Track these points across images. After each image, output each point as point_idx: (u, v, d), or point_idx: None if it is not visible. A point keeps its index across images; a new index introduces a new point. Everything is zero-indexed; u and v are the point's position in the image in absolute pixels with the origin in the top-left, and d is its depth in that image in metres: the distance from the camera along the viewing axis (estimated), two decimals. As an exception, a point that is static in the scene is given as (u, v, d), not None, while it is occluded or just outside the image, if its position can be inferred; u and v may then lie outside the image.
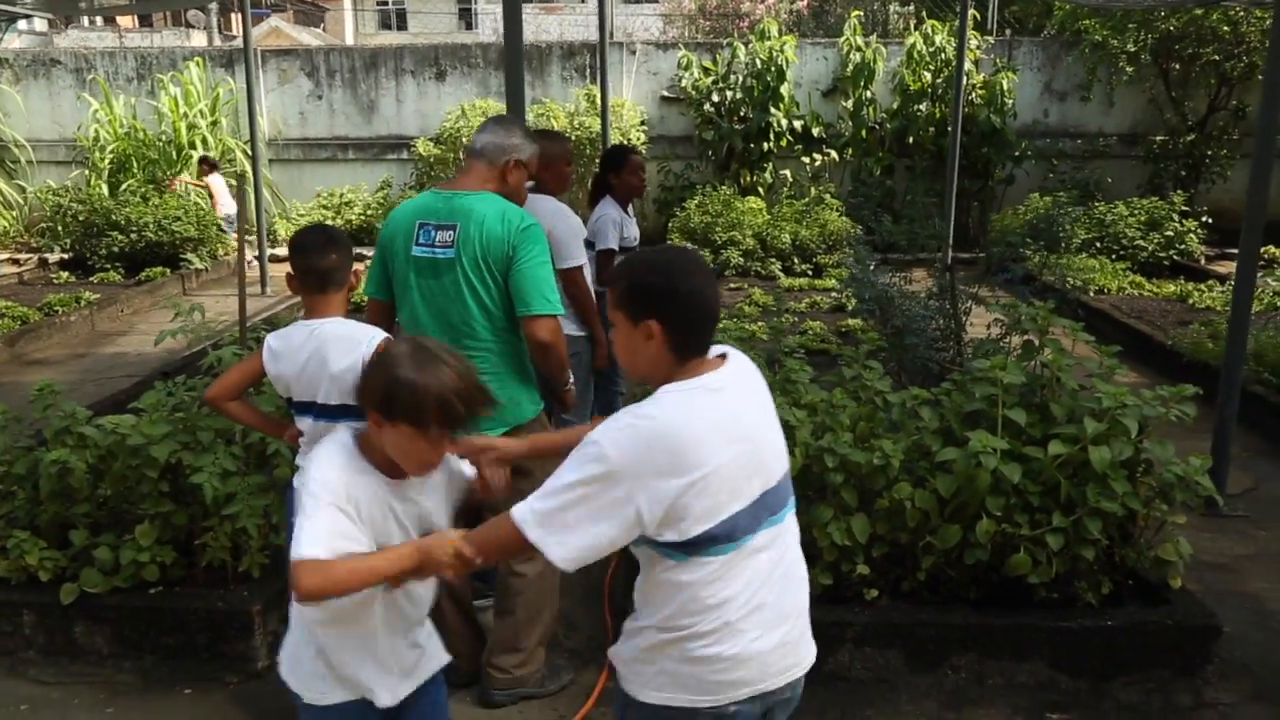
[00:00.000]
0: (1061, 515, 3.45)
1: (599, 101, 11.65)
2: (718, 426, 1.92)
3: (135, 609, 3.66)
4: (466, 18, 36.01)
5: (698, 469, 1.86)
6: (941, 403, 3.74)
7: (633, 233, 5.24)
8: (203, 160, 13.16)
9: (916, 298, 5.18)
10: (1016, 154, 13.25)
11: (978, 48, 13.24)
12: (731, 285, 10.62)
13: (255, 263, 11.49)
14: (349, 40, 33.30)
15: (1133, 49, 12.93)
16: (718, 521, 1.91)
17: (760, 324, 8.08)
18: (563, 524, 1.88)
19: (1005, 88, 13.11)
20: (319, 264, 2.93)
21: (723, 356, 2.07)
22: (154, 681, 3.65)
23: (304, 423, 2.95)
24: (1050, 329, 3.94)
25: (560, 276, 3.75)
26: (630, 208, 5.32)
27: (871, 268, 5.21)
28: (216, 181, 12.93)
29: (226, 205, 12.78)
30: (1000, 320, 4.64)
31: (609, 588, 4.17)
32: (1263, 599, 4.29)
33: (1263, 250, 10.48)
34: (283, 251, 13.40)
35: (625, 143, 13.21)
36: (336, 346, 2.89)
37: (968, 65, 12.36)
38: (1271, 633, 4.00)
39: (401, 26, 36.35)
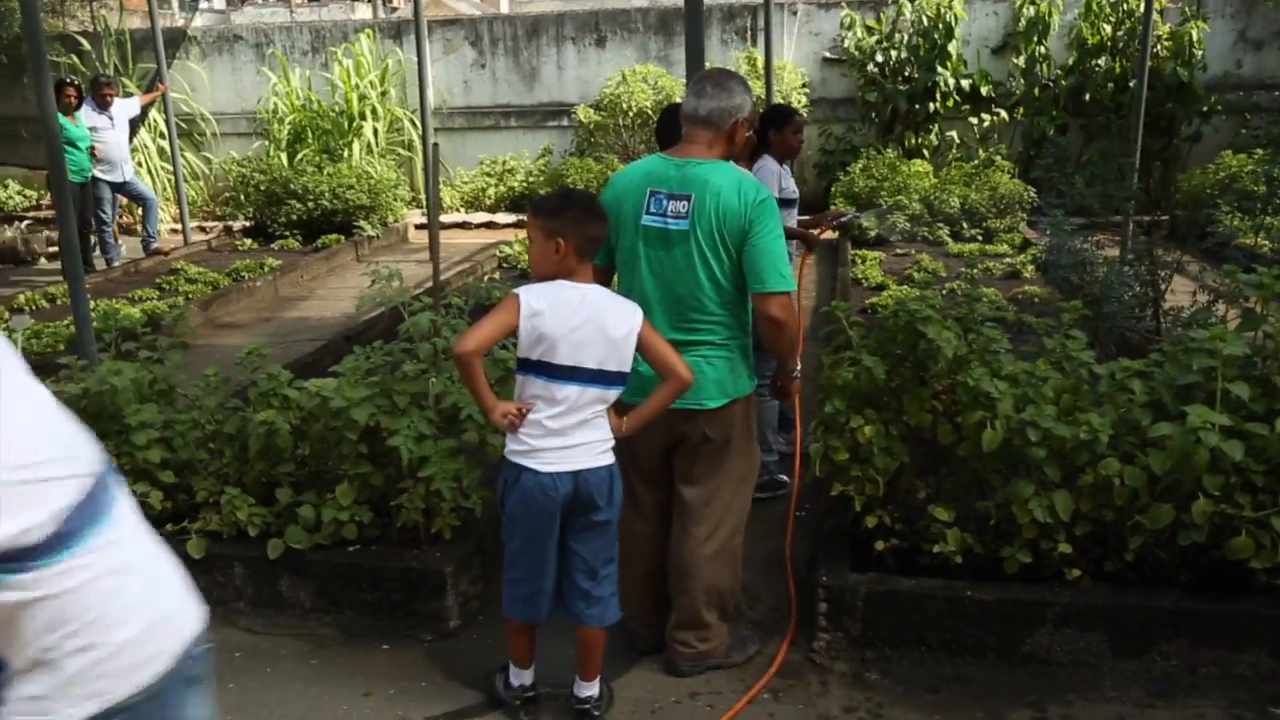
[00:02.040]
0: (1289, 497, 3.22)
1: (761, 64, 11.47)
2: None
3: (336, 565, 3.82)
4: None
5: None
6: (1153, 375, 3.53)
7: (791, 185, 5.23)
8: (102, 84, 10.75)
9: (1112, 264, 4.91)
10: (1205, 109, 12.41)
11: (1165, -4, 12.44)
12: (898, 251, 10.34)
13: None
14: (505, 9, 33.77)
15: (1344, -10, 11.92)
16: None
17: (932, 290, 7.88)
18: None
19: (1194, 38, 12.28)
20: (597, 232, 2.99)
21: None
22: (354, 635, 3.81)
23: (546, 386, 2.92)
24: (1273, 297, 3.67)
25: None
26: (788, 166, 5.31)
27: (1069, 232, 4.95)
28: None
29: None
30: (1209, 288, 4.35)
31: (790, 556, 4.14)
32: None
33: None
34: (448, 218, 13.77)
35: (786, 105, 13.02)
36: (612, 313, 2.93)
37: (1153, 15, 11.63)
38: None
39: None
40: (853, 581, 3.54)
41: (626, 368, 2.96)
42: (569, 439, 2.95)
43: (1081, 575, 3.46)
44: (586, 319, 2.89)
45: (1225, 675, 3.34)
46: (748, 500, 3.50)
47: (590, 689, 3.25)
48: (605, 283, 3.32)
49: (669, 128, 3.78)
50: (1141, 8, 10.26)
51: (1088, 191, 5.25)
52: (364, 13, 28.59)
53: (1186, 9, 12.68)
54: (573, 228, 2.92)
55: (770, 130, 5.21)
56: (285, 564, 3.86)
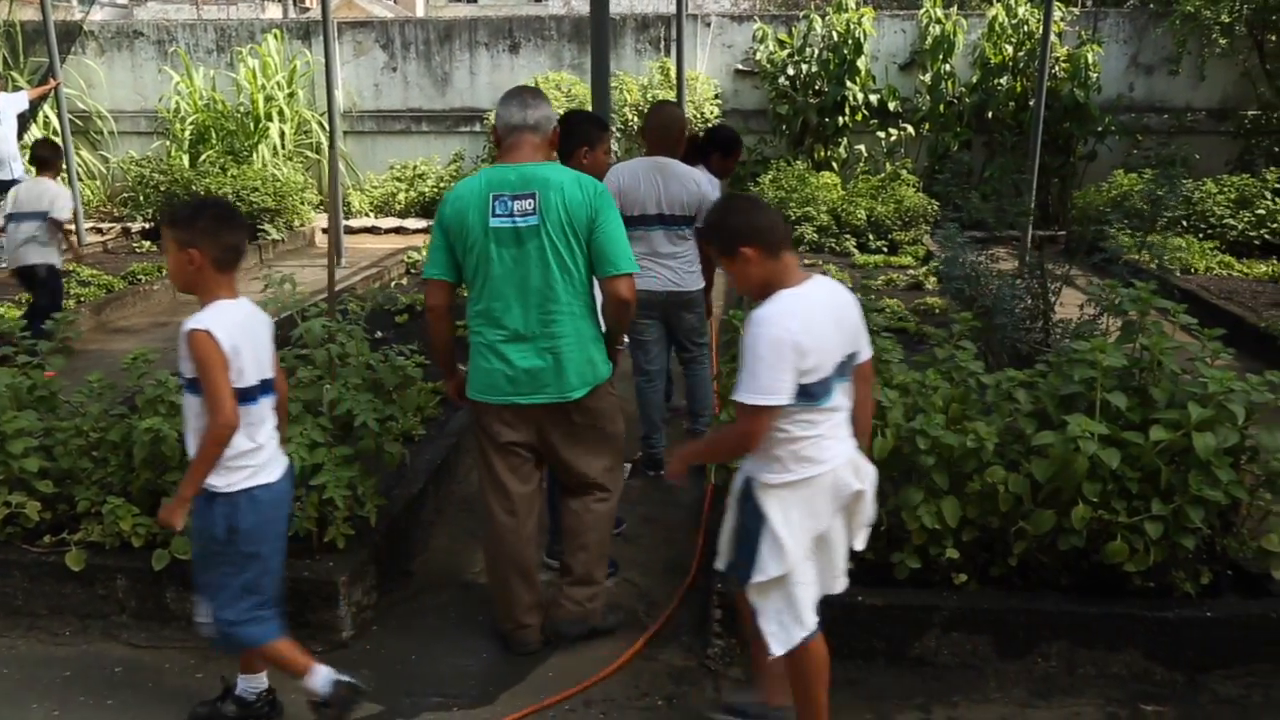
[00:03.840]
0: (1161, 503, 3.35)
1: (673, 74, 11.55)
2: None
3: (225, 575, 3.71)
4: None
5: None
6: (1037, 385, 3.64)
7: None
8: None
9: (1004, 277, 5.05)
10: (1100, 129, 12.88)
11: (1062, 19, 12.88)
12: (806, 262, 10.49)
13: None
14: (420, 13, 33.48)
15: (1226, 19, 12.48)
16: None
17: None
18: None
19: (1090, 61, 12.74)
20: (234, 240, 2.97)
21: None
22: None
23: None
24: (1149, 311, 3.81)
25: None
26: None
27: (963, 246, 5.09)
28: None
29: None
30: (1095, 300, 4.50)
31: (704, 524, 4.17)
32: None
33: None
34: (357, 223, 13.56)
35: (700, 118, 13.14)
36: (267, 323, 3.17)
37: (1051, 38, 12.03)
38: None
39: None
40: (747, 588, 3.57)
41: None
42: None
43: (969, 580, 3.55)
44: (261, 330, 3.01)
45: (1101, 674, 3.45)
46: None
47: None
48: (451, 295, 3.48)
49: (567, 135, 3.88)
50: (1040, 30, 10.60)
51: (983, 206, 5.41)
52: (275, 13, 28.08)
53: (1083, 33, 13.15)
54: (207, 238, 2.83)
55: (716, 153, 5.56)
56: (170, 575, 3.74)
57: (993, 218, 5.49)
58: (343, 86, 14.53)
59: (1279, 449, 3.42)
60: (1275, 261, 10.13)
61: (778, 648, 2.77)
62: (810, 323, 2.64)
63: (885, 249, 11.08)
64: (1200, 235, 10.78)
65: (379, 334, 6.68)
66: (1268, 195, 11.14)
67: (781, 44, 13.47)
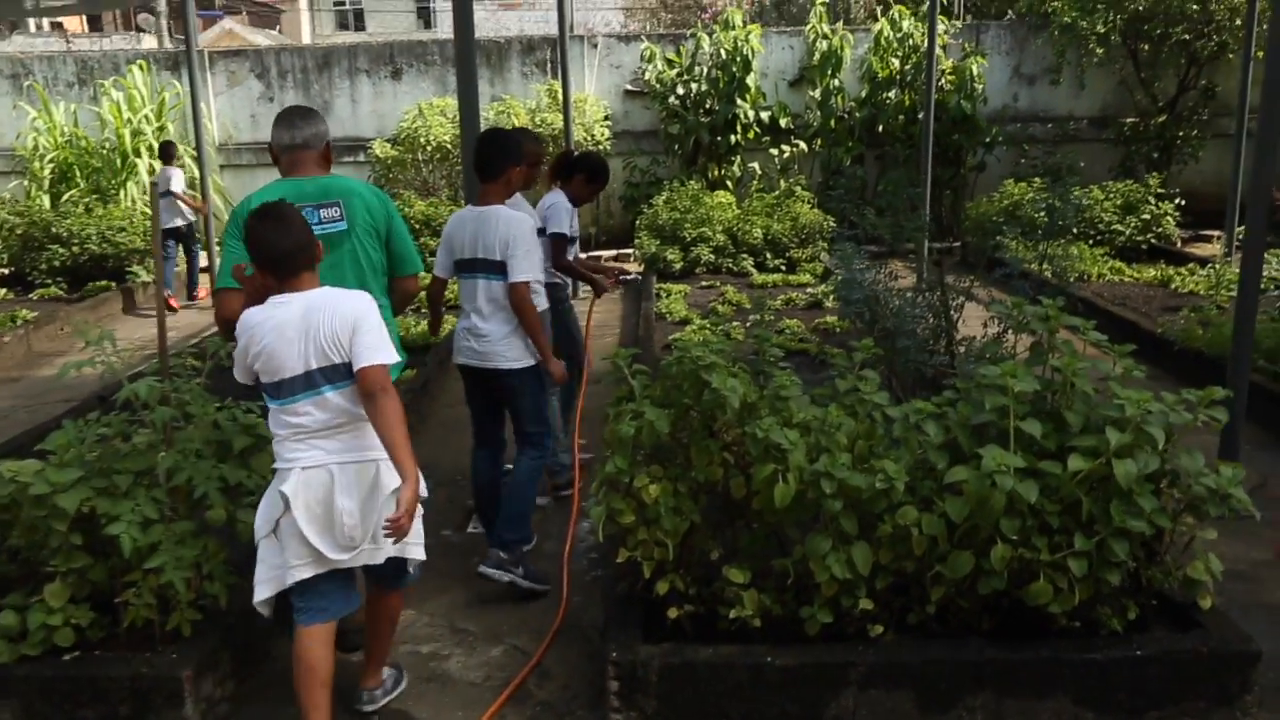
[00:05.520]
0: (1084, 537, 3.11)
1: (561, 97, 11.24)
2: None
3: (46, 680, 3.21)
4: (425, 16, 35.33)
5: None
6: (947, 415, 3.38)
7: (576, 226, 5.34)
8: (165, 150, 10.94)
9: (904, 295, 4.83)
10: (988, 140, 12.97)
11: (946, 32, 12.96)
12: (703, 284, 10.25)
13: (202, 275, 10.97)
14: (307, 41, 32.64)
15: (1101, 30, 12.69)
16: None
17: (736, 324, 7.76)
18: None
19: (975, 73, 12.84)
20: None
21: None
22: (73, 759, 3.23)
23: None
24: (1058, 329, 3.60)
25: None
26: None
27: (859, 265, 4.84)
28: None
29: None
30: (999, 319, 4.29)
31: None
32: (1293, 612, 3.99)
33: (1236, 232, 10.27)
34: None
35: (591, 139, 12.86)
36: None
37: (936, 51, 12.07)
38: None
39: (360, 26, 35.58)
40: (645, 655, 3.22)
41: None
42: None
43: (885, 630, 3.26)
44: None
45: (1031, 727, 3.20)
46: None
47: None
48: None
49: (483, 162, 4.20)
50: (926, 43, 10.58)
51: (880, 222, 5.20)
52: (151, 44, 27.02)
53: (967, 45, 13.26)
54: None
55: (581, 175, 5.27)
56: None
57: (889, 233, 5.29)
58: (217, 118, 13.88)
59: (1200, 472, 3.22)
60: (1163, 265, 10.25)
61: None
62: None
63: (783, 267, 10.91)
64: (1090, 242, 10.87)
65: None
66: (1151, 200, 11.31)
67: (670, 63, 13.28)
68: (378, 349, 2.92)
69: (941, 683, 3.20)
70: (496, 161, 4.20)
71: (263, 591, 3.02)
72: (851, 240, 5.14)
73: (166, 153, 10.88)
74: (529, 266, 4.10)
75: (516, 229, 4.11)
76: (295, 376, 2.94)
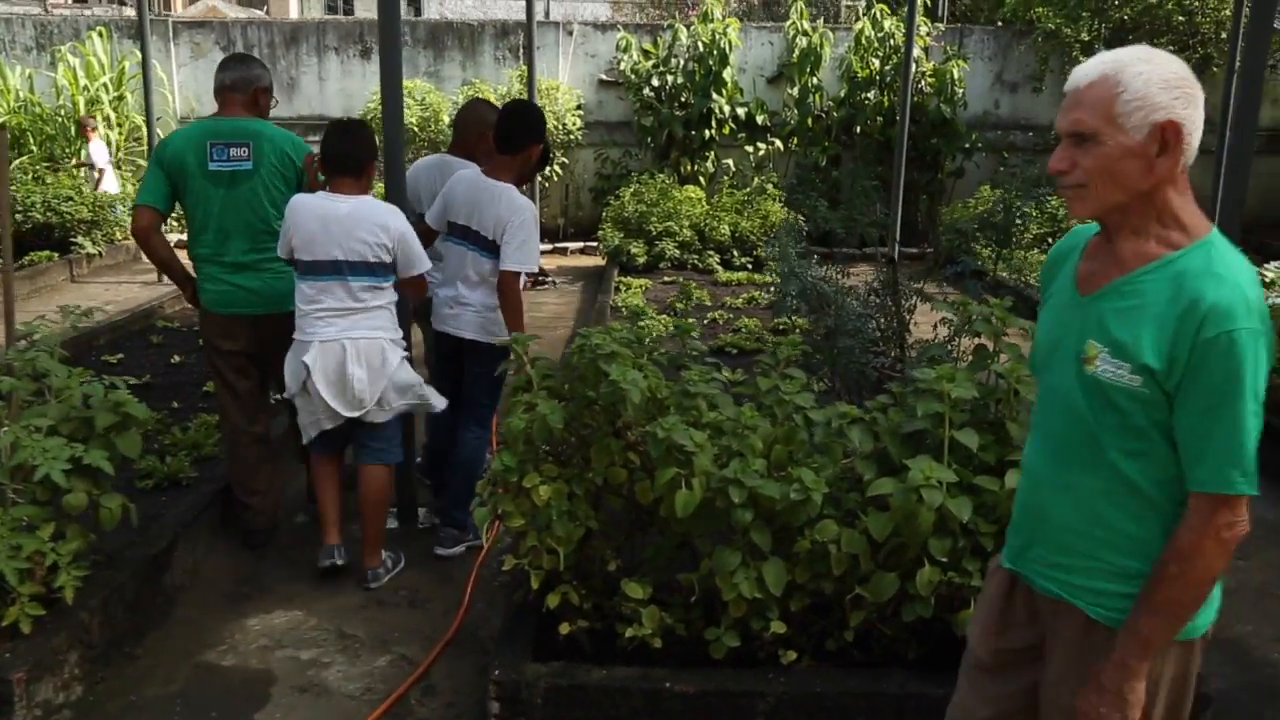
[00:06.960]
0: (1020, 562, 2.80)
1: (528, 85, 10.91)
2: None
3: None
4: (416, 2, 34.89)
5: None
6: (876, 421, 3.06)
7: None
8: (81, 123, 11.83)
9: (854, 293, 4.52)
10: (966, 146, 12.70)
11: (928, 34, 12.67)
12: (666, 279, 9.94)
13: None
14: (293, 15, 32.10)
15: (1086, 38, 12.45)
16: None
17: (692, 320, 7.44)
18: None
19: (955, 76, 12.55)
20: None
21: None
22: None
23: None
24: (1006, 331, 3.31)
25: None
26: None
27: (801, 258, 4.52)
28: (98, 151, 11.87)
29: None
30: (949, 320, 3.99)
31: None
32: (1249, 645, 3.71)
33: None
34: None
35: (562, 129, 12.53)
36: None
37: (917, 52, 11.81)
38: (1265, 690, 3.41)
39: (348, 11, 35.10)
40: (531, 674, 2.90)
41: None
42: None
43: (799, 657, 2.96)
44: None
45: (955, 771, 2.89)
46: None
47: None
48: (156, 224, 4.14)
49: (505, 133, 4.12)
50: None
51: (831, 215, 4.89)
52: (130, 13, 26.46)
53: (948, 48, 12.97)
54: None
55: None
56: None
57: (842, 227, 4.98)
58: (179, 91, 13.46)
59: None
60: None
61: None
62: None
63: (750, 265, 10.60)
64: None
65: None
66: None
67: (646, 54, 12.95)
68: (413, 262, 3.83)
69: (860, 717, 2.90)
70: (519, 135, 4.13)
71: (308, 434, 3.85)
72: (799, 233, 4.84)
73: (82, 127, 10.96)
74: (523, 258, 4.02)
75: (517, 217, 4.01)
76: (325, 260, 3.67)
